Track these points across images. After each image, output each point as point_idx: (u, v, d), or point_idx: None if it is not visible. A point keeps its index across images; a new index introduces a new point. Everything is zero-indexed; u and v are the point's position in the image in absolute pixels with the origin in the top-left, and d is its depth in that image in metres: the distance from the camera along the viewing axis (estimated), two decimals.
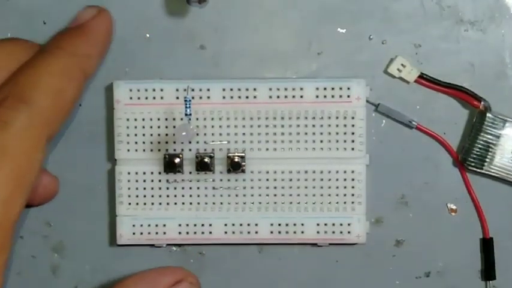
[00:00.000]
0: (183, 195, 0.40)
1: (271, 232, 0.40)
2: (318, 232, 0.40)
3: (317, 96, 0.39)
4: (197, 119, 0.39)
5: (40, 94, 0.35)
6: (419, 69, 0.40)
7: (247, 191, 0.40)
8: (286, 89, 0.39)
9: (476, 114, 0.40)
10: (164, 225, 0.40)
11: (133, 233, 0.40)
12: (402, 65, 0.40)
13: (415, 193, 0.40)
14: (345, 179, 0.40)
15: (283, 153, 0.39)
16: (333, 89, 0.39)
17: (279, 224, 0.40)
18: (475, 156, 0.39)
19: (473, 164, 0.39)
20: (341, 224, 0.40)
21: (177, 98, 0.39)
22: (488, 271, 0.40)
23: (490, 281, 0.40)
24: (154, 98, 0.39)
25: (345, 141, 0.39)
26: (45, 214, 0.41)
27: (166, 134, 0.39)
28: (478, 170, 0.40)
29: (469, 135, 0.40)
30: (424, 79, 0.40)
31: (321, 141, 0.39)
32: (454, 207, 0.40)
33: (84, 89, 0.40)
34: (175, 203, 0.40)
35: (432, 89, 0.40)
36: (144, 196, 0.40)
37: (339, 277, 0.41)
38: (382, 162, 0.40)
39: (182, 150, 0.40)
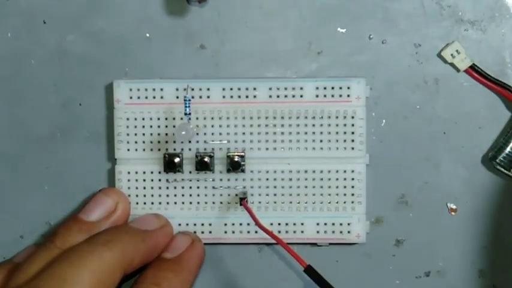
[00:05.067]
0: (183, 195, 0.40)
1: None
2: (317, 232, 0.40)
3: (317, 96, 0.39)
4: (197, 118, 0.39)
5: None
6: (473, 60, 0.39)
7: (247, 191, 0.40)
8: (286, 89, 0.39)
9: None
10: None
11: None
12: (457, 51, 0.39)
13: (415, 193, 0.40)
14: (345, 179, 0.39)
15: (283, 152, 0.39)
16: (332, 88, 0.39)
17: (279, 224, 0.40)
18: (505, 156, 0.39)
19: (502, 164, 0.39)
20: (341, 224, 0.40)
21: (177, 97, 0.39)
22: None
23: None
24: (154, 97, 0.39)
25: (344, 140, 0.39)
26: (45, 214, 0.41)
27: (166, 134, 0.39)
28: (506, 172, 0.39)
29: (505, 134, 0.39)
30: (475, 71, 0.39)
31: (321, 141, 0.39)
32: (454, 207, 0.40)
33: (84, 89, 0.40)
34: (175, 203, 0.40)
35: (479, 82, 0.39)
36: (144, 196, 0.40)
37: (339, 277, 0.41)
38: (382, 162, 0.40)
39: (182, 149, 0.40)
